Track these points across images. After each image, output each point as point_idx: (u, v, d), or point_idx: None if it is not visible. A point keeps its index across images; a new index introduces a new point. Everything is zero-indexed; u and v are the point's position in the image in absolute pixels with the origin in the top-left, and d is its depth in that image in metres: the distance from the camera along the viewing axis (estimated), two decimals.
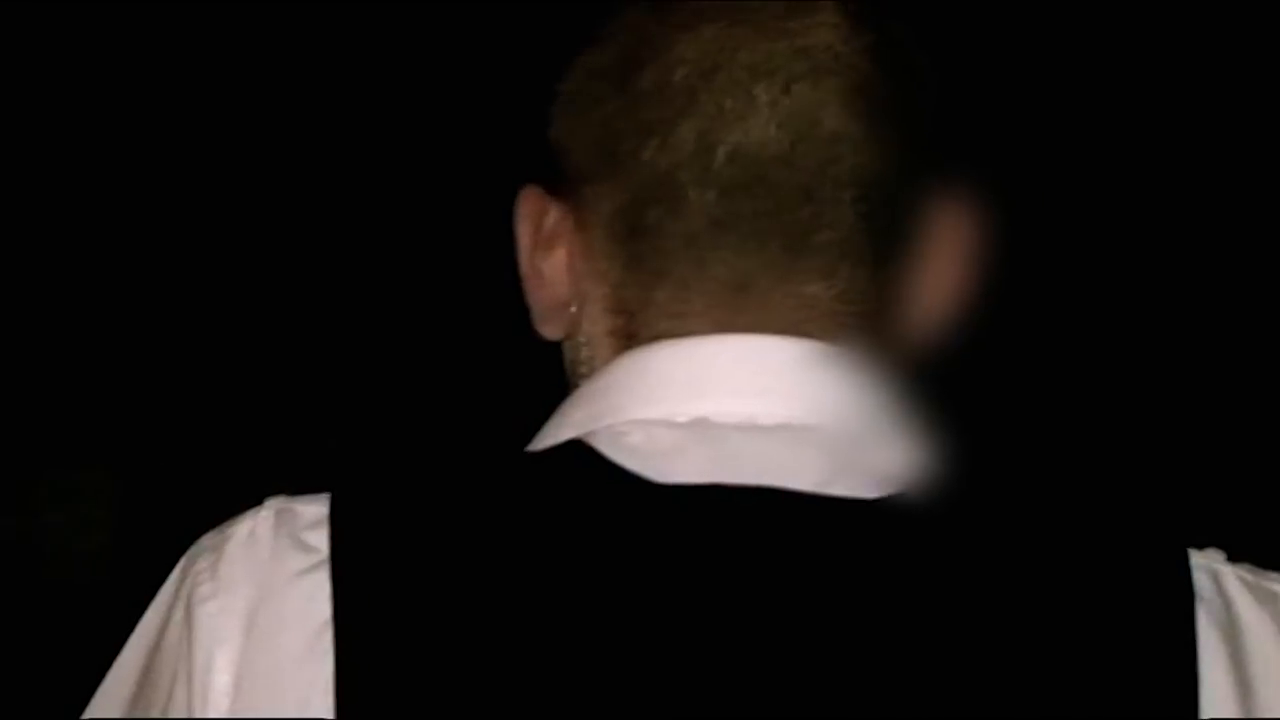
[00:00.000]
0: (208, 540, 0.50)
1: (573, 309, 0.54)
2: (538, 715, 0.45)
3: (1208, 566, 0.51)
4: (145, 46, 2.14)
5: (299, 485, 0.51)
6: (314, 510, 0.49)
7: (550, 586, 0.46)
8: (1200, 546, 0.52)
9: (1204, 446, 2.24)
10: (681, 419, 0.50)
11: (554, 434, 0.52)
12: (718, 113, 0.51)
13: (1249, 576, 0.51)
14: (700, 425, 0.49)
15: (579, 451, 0.49)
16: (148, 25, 2.11)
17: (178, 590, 0.49)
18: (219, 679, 0.46)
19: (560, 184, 0.55)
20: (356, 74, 2.13)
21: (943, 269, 0.54)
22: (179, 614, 0.48)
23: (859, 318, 0.52)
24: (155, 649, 0.49)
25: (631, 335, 0.52)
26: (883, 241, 0.52)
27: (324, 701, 0.45)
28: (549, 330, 0.56)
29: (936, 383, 0.54)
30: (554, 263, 0.54)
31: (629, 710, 0.45)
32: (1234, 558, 0.53)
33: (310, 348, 2.15)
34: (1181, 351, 2.30)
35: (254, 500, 0.50)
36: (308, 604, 0.46)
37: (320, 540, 0.48)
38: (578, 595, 0.46)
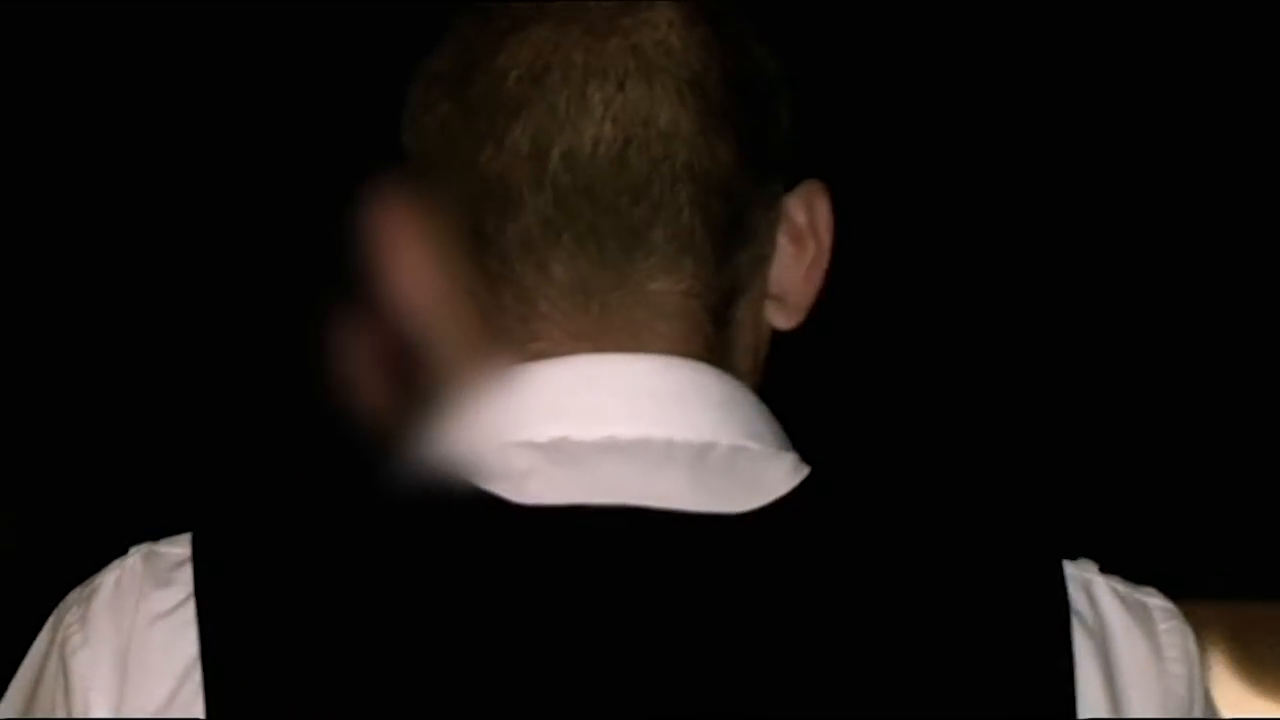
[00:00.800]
0: (75, 594, 0.51)
1: (427, 313, 0.55)
2: None
3: (1081, 578, 0.51)
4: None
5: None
6: (177, 551, 0.50)
7: (410, 611, 0.48)
8: (1073, 557, 0.52)
9: (1081, 450, 2.31)
10: (541, 439, 0.50)
11: (418, 457, 0.53)
12: (550, 115, 0.51)
13: (1121, 588, 0.51)
14: (559, 445, 0.50)
15: (439, 473, 0.50)
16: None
17: (50, 643, 0.51)
18: None
19: (410, 188, 0.55)
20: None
21: (792, 262, 0.54)
22: (53, 665, 0.50)
23: (709, 312, 0.52)
24: (31, 700, 0.51)
25: (491, 337, 0.53)
26: (725, 236, 0.52)
27: None
28: (406, 328, 0.56)
29: (793, 390, 0.54)
30: (407, 265, 0.55)
31: None
32: (1106, 569, 0.53)
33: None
34: (1054, 349, 2.36)
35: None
36: (175, 643, 0.48)
37: (185, 578, 0.49)
38: (436, 619, 0.47)
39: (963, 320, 2.27)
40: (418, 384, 0.57)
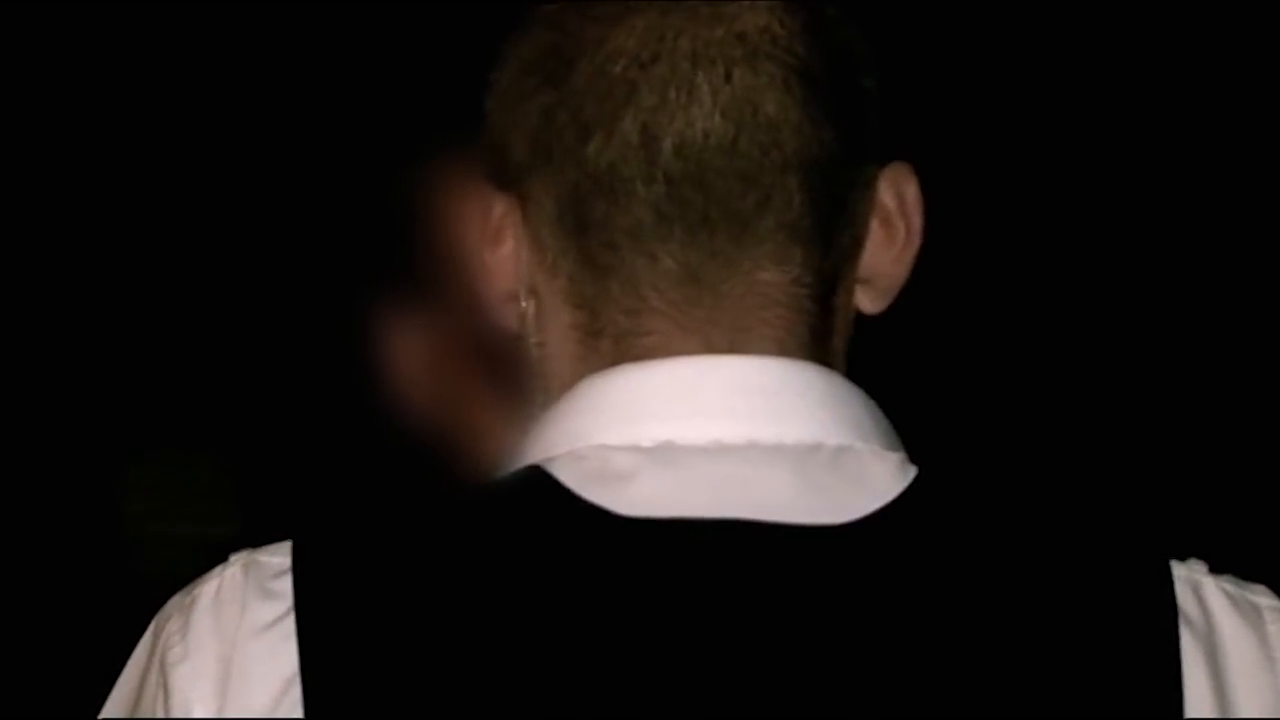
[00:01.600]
0: (176, 601, 0.50)
1: (524, 304, 0.54)
2: None
3: (1189, 579, 0.50)
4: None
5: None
6: (278, 560, 0.49)
7: (511, 626, 0.47)
8: (1183, 558, 0.51)
9: (1189, 454, 2.23)
10: (646, 443, 0.49)
11: (519, 458, 0.52)
12: (660, 103, 0.50)
13: (1231, 589, 0.50)
14: (664, 449, 0.49)
15: (540, 479, 0.49)
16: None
17: (151, 653, 0.50)
18: None
19: (503, 177, 0.54)
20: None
21: (883, 246, 0.54)
22: (154, 676, 0.49)
23: (815, 301, 0.52)
24: (134, 709, 0.50)
25: (595, 332, 0.52)
26: (830, 223, 0.52)
27: None
28: (504, 322, 0.56)
29: (907, 390, 0.53)
30: (501, 256, 0.54)
31: None
32: (1218, 568, 0.52)
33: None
34: (1161, 358, 2.29)
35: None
36: (276, 655, 0.47)
37: (286, 589, 0.48)
38: (538, 635, 0.46)
39: (1071, 314, 2.22)
40: (500, 383, 0.57)
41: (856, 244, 0.53)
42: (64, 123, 2.28)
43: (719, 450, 0.49)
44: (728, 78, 0.50)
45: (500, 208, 0.54)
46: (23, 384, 2.29)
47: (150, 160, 2.21)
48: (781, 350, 0.51)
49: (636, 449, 0.49)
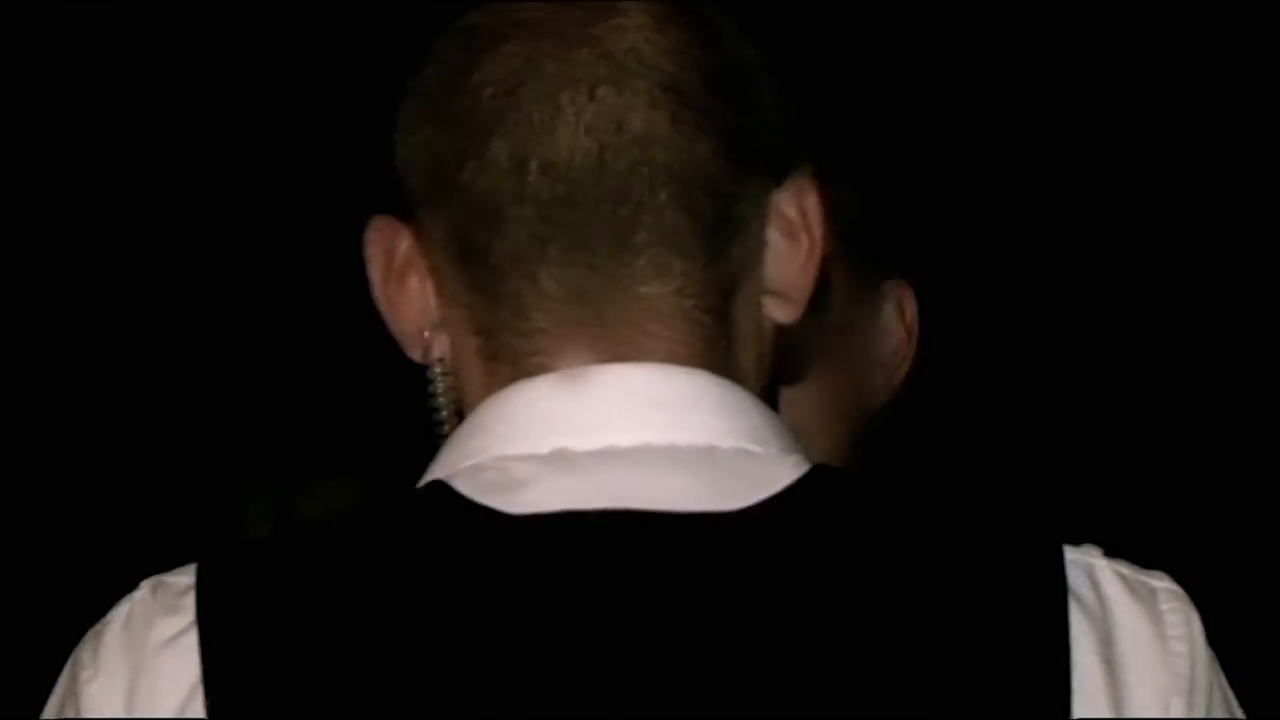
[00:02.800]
0: (91, 630, 0.52)
1: (426, 334, 0.54)
2: None
3: (1083, 562, 0.50)
4: None
5: None
6: (184, 580, 0.51)
7: (404, 627, 0.48)
8: (1077, 543, 0.51)
9: (1082, 443, 2.27)
10: (543, 450, 0.50)
11: (424, 478, 0.53)
12: (526, 128, 0.51)
13: (1126, 571, 0.51)
14: (559, 456, 0.50)
15: (439, 492, 0.50)
16: None
17: (68, 679, 0.51)
18: None
19: (405, 210, 0.55)
20: None
21: (786, 256, 0.54)
22: (70, 703, 0.51)
23: (705, 311, 0.52)
24: None
25: (493, 356, 0.53)
26: (713, 233, 0.52)
27: None
28: (411, 355, 0.56)
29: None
30: (407, 290, 0.55)
31: None
32: (1114, 553, 0.52)
33: None
34: (1054, 342, 2.32)
35: None
36: (179, 667, 0.49)
37: (189, 604, 0.50)
38: (429, 634, 0.47)
39: (966, 314, 2.27)
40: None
41: (752, 255, 0.53)
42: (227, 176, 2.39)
43: (614, 454, 0.50)
44: (592, 97, 0.50)
45: (406, 242, 0.54)
46: (159, 412, 2.36)
47: (307, 199, 2.28)
48: (671, 359, 0.51)
49: (534, 457, 0.50)
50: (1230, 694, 0.51)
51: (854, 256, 0.70)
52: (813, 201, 0.54)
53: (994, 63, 2.59)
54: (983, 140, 2.54)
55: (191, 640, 0.49)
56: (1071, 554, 0.50)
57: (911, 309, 0.74)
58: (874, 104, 2.11)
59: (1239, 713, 0.52)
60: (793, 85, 0.56)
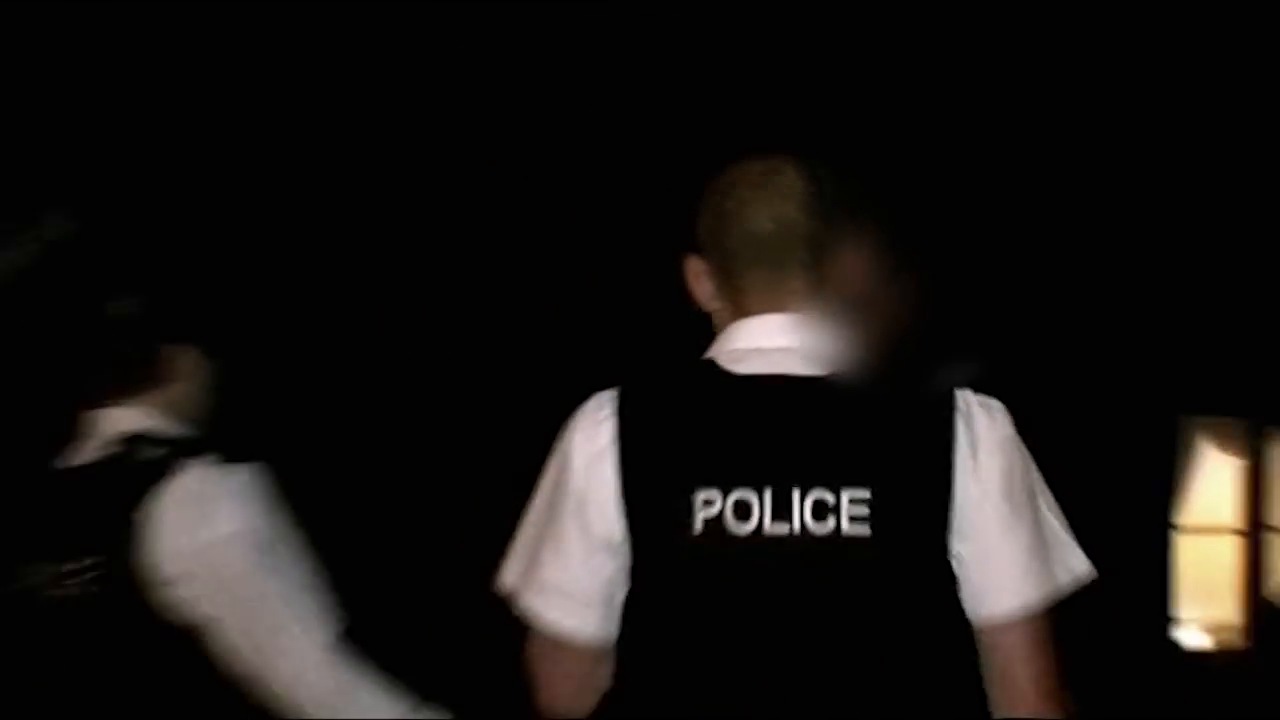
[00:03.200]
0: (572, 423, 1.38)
1: (715, 305, 1.39)
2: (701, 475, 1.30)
3: (963, 395, 1.31)
4: None
5: None
6: (610, 393, 1.34)
7: (699, 418, 1.34)
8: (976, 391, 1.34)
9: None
10: (749, 347, 1.34)
11: (707, 355, 1.35)
12: (745, 220, 1.36)
13: (979, 397, 1.31)
14: (755, 350, 1.35)
15: (710, 364, 1.35)
16: None
17: (561, 446, 1.36)
18: (578, 479, 1.34)
19: (697, 249, 1.40)
20: None
21: (845, 271, 1.36)
22: (559, 456, 1.37)
23: (814, 291, 1.35)
24: (556, 471, 1.37)
25: (732, 310, 1.37)
26: (817, 262, 1.37)
27: (611, 481, 1.31)
28: (707, 310, 1.40)
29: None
30: (703, 287, 1.39)
31: (738, 473, 1.27)
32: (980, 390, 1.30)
33: None
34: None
35: None
36: (601, 435, 1.32)
37: (611, 405, 1.35)
38: (707, 421, 1.33)
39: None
40: None
41: (826, 272, 1.36)
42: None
43: (775, 350, 1.33)
44: (770, 204, 1.34)
45: (700, 266, 1.39)
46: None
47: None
48: (795, 311, 1.34)
49: (745, 350, 1.33)
50: (1032, 464, 1.29)
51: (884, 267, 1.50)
52: (862, 251, 1.40)
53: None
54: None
55: (611, 422, 1.30)
56: (958, 391, 1.28)
57: (912, 294, 1.49)
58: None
59: (1036, 473, 1.28)
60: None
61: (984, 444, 1.26)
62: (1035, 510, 1.35)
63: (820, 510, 1.30)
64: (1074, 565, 1.38)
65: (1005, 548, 1.31)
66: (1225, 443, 6.44)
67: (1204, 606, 5.61)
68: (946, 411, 1.27)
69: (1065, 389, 4.81)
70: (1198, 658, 5.63)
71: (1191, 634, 5.57)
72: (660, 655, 1.30)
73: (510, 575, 1.40)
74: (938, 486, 1.28)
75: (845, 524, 1.28)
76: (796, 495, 1.30)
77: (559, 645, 1.37)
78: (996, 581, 1.32)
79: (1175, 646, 5.46)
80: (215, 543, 1.55)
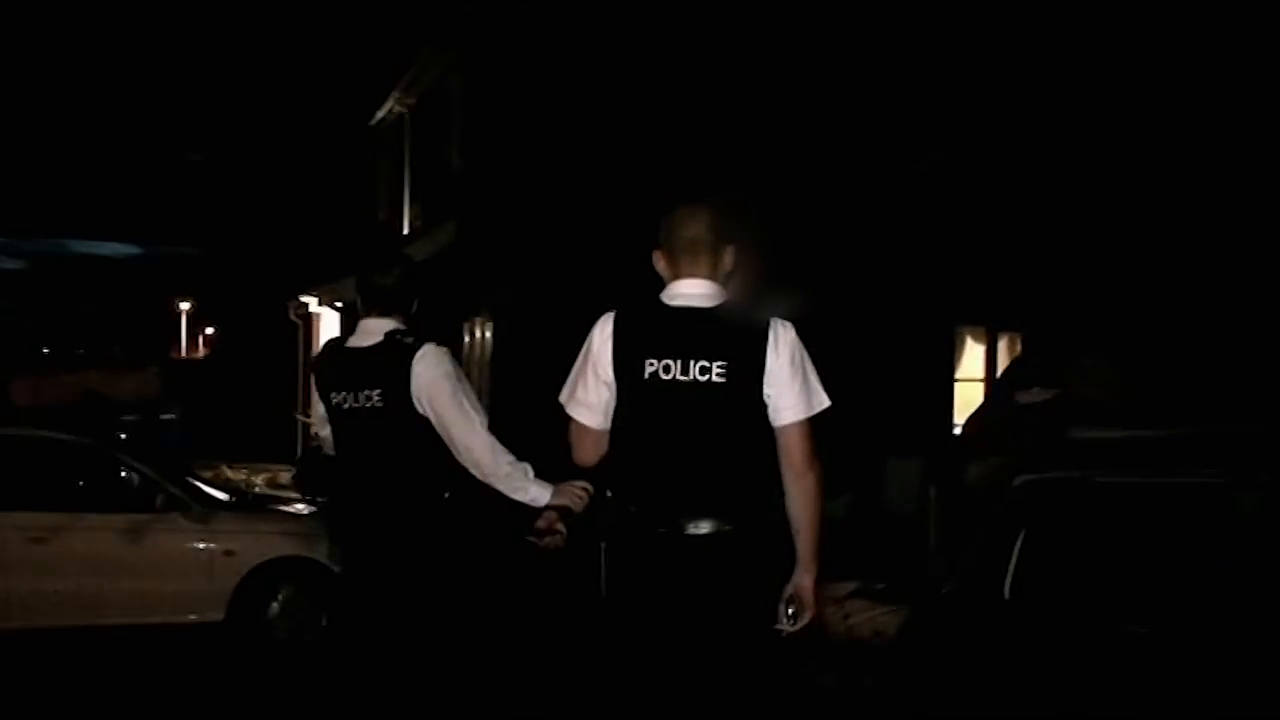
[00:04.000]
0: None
1: (666, 274, 3.39)
2: None
3: (774, 320, 2.86)
4: None
5: None
6: (613, 312, 2.97)
7: (651, 328, 2.90)
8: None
9: None
10: (678, 293, 2.99)
11: (659, 297, 3.68)
12: (681, 231, 3.07)
13: (781, 320, 2.86)
14: (682, 295, 2.94)
15: (660, 301, 2.96)
16: None
17: (590, 335, 2.96)
18: (594, 351, 2.93)
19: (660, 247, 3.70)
20: None
21: (727, 259, 2.99)
22: (588, 341, 2.97)
23: (712, 270, 2.96)
24: (586, 347, 2.97)
25: (673, 276, 3.34)
26: (714, 255, 2.98)
27: (609, 351, 2.89)
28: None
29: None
30: (661, 265, 3.39)
31: (665, 351, 2.85)
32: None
33: None
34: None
35: None
36: (606, 330, 2.92)
37: (613, 317, 2.95)
38: (654, 328, 2.89)
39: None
40: None
41: (718, 260, 3.29)
42: None
43: (689, 295, 3.26)
44: (691, 227, 3.45)
45: (660, 251, 3.64)
46: None
47: None
48: (703, 278, 3.45)
49: (676, 295, 3.36)
50: (803, 350, 2.88)
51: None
52: (731, 254, 3.72)
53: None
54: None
55: (611, 324, 2.87)
56: (772, 319, 2.85)
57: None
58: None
59: (805, 357, 2.88)
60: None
61: (780, 342, 2.69)
62: (804, 373, 2.74)
63: (703, 370, 2.70)
64: (821, 400, 2.76)
65: (788, 390, 2.69)
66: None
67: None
68: (765, 326, 2.71)
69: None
70: None
71: None
72: (626, 437, 2.77)
73: (563, 395, 2.89)
74: (757, 361, 2.67)
75: (714, 377, 2.67)
76: (692, 363, 2.70)
77: (583, 430, 2.87)
78: (784, 406, 2.71)
79: None
80: (435, 379, 3.30)
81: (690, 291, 2.88)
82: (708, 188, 8.53)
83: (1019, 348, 10.06)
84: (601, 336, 2.86)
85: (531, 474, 3.25)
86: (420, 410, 3.25)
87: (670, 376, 2.74)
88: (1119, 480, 2.06)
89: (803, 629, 2.47)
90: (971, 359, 10.49)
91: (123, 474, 6.21)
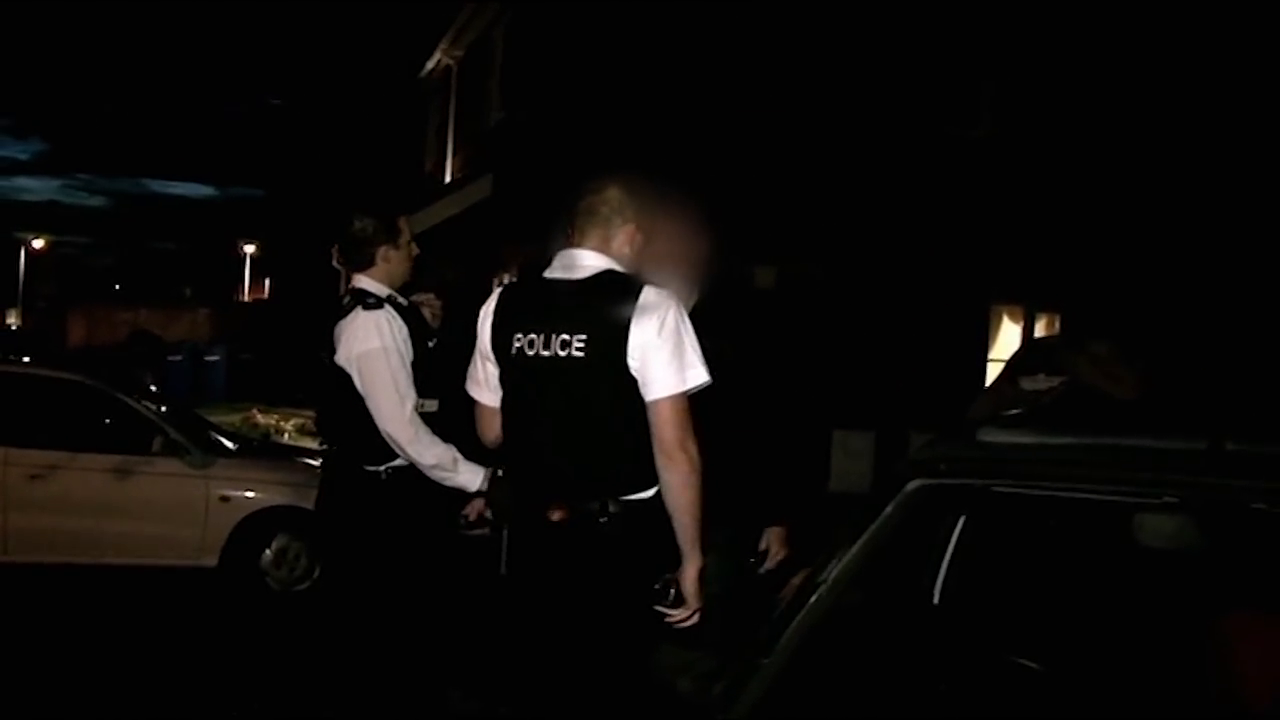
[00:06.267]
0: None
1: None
2: None
3: (646, 286, 2.59)
4: None
5: None
6: (499, 289, 2.93)
7: (521, 303, 2.74)
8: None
9: None
10: (558, 264, 2.74)
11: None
12: (584, 212, 2.77)
13: (654, 287, 2.60)
14: (561, 267, 2.71)
15: (539, 274, 2.76)
16: None
17: (481, 311, 2.88)
18: (481, 329, 2.81)
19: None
20: None
21: (624, 245, 2.73)
22: (478, 322, 2.92)
23: (606, 247, 2.71)
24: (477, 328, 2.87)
25: (566, 247, 2.80)
26: (608, 226, 2.71)
27: (488, 329, 2.80)
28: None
29: None
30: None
31: (531, 326, 2.65)
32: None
33: None
34: None
35: None
36: (490, 308, 2.80)
37: (496, 294, 2.86)
38: (524, 303, 2.74)
39: None
40: None
41: (616, 235, 2.73)
42: None
43: (567, 267, 2.71)
44: (589, 197, 2.79)
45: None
46: None
47: None
48: (593, 250, 2.70)
49: (555, 266, 2.72)
50: (683, 318, 2.60)
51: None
52: (632, 232, 2.96)
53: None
54: None
55: (494, 302, 2.74)
56: (645, 285, 2.58)
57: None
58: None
59: (685, 324, 2.58)
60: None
61: (649, 311, 2.45)
62: (676, 344, 2.47)
63: (564, 345, 2.50)
64: (697, 375, 2.51)
65: (655, 363, 2.44)
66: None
67: None
68: (633, 296, 2.44)
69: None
70: None
71: None
72: (505, 416, 2.66)
73: (468, 379, 2.79)
74: (621, 333, 2.43)
75: (574, 352, 2.47)
76: (554, 336, 2.50)
77: (482, 409, 2.78)
78: (651, 379, 2.47)
79: None
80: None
81: (566, 263, 2.68)
82: (741, 147, 8.36)
83: (1057, 328, 9.78)
84: (485, 313, 2.74)
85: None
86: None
87: (534, 352, 2.60)
88: (1019, 490, 1.90)
89: (687, 618, 2.34)
90: (1008, 338, 10.23)
91: (123, 415, 6.23)
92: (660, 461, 2.43)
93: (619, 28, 9.57)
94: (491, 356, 2.68)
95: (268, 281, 33.38)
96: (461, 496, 3.20)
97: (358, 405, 3.18)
